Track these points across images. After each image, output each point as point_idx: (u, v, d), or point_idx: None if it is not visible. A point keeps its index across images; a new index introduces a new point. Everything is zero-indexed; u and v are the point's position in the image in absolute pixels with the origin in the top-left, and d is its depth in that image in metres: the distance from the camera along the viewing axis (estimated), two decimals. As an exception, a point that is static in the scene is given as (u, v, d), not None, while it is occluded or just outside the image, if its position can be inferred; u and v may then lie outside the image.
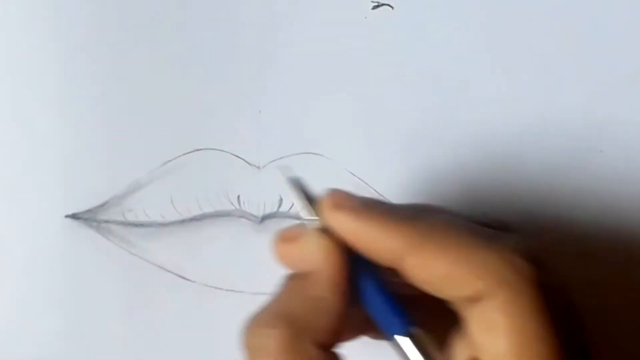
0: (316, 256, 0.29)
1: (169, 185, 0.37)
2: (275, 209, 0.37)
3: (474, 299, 0.28)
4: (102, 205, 0.36)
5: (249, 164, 0.37)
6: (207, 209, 0.37)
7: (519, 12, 0.38)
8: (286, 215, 0.37)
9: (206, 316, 0.37)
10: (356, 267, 0.29)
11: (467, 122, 0.38)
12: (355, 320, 0.30)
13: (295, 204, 0.30)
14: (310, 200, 0.30)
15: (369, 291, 0.29)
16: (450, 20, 0.38)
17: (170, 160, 0.37)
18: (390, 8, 0.38)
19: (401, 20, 0.38)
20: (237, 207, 0.37)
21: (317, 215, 0.30)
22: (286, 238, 0.30)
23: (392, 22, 0.38)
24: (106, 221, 0.36)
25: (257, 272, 0.37)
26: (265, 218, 0.37)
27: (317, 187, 0.37)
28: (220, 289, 0.37)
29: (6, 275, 0.36)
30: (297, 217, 0.37)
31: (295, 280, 0.29)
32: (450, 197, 0.38)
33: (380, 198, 0.37)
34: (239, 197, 0.37)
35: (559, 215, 0.38)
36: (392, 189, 0.38)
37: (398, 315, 0.29)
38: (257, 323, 0.28)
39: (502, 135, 0.38)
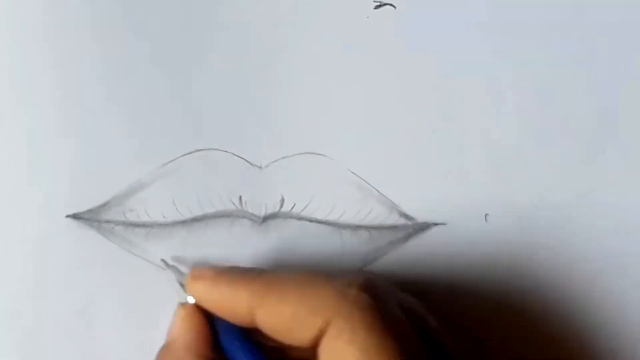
0: (175, 325, 0.33)
1: (171, 186, 0.37)
2: (277, 210, 0.37)
3: (319, 337, 0.29)
4: (103, 206, 0.36)
5: (251, 164, 0.37)
6: (209, 210, 0.37)
7: (522, 12, 0.39)
8: (288, 216, 0.37)
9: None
10: (224, 333, 0.32)
11: (468, 122, 0.38)
12: None
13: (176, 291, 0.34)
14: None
15: (235, 353, 0.32)
16: (453, 19, 0.38)
17: (171, 161, 0.37)
18: (393, 8, 0.38)
19: (403, 20, 0.38)
20: (239, 207, 0.37)
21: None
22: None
23: (394, 22, 0.38)
24: (107, 221, 0.36)
25: (259, 273, 0.37)
26: (267, 218, 0.37)
27: (319, 187, 0.37)
28: (222, 289, 0.37)
29: (7, 274, 0.36)
30: (299, 218, 0.37)
31: (163, 351, 0.33)
32: (451, 197, 0.38)
33: (380, 198, 0.37)
34: (240, 197, 0.37)
35: (560, 215, 0.39)
36: (394, 188, 0.38)
37: None
38: None
39: (503, 135, 0.38)
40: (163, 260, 0.36)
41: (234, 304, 0.31)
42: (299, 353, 0.31)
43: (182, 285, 0.34)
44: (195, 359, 0.32)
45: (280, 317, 0.30)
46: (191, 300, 0.33)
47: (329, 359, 0.30)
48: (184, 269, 0.35)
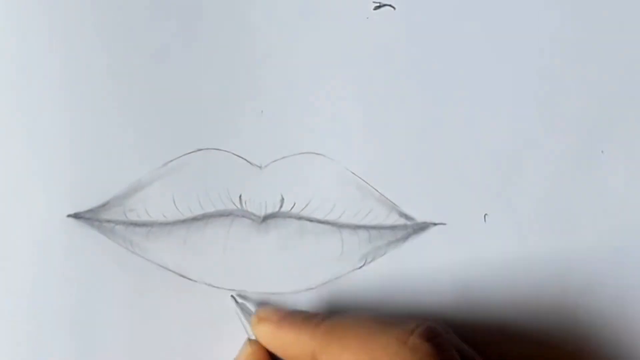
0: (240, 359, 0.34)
1: (171, 185, 0.37)
2: (277, 209, 0.37)
3: None
4: (104, 205, 0.36)
5: (251, 163, 0.37)
6: (209, 209, 0.37)
7: (521, 12, 0.39)
8: (287, 215, 0.37)
9: (208, 316, 0.37)
10: None
11: (468, 122, 0.38)
12: None
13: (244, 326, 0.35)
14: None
15: None
16: (452, 20, 0.38)
17: (172, 160, 0.37)
18: (392, 8, 0.38)
19: (403, 21, 0.38)
20: (239, 206, 0.37)
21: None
22: None
23: (394, 23, 0.38)
24: (108, 221, 0.36)
25: (258, 272, 0.37)
26: (267, 218, 0.37)
27: (319, 187, 0.37)
28: (222, 288, 0.37)
29: (7, 274, 0.36)
30: (299, 217, 0.37)
31: None
32: (450, 197, 0.38)
33: (380, 198, 0.37)
34: (240, 196, 0.37)
35: (559, 215, 0.38)
36: (393, 188, 0.38)
37: None
38: None
39: (503, 135, 0.38)
40: (232, 297, 0.36)
41: (297, 349, 0.32)
42: None
43: (248, 321, 0.35)
44: None
45: None
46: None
47: None
48: (250, 305, 0.36)
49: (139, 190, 0.36)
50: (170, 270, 0.37)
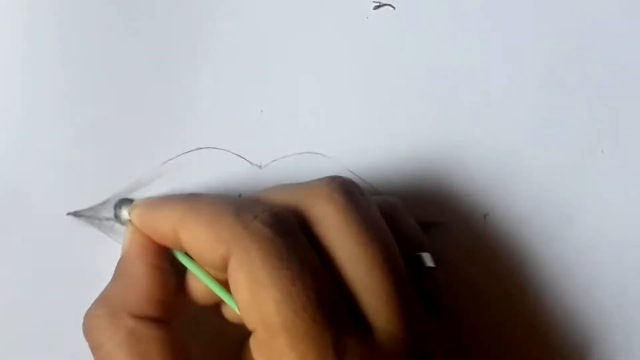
0: (125, 241, 0.34)
1: (171, 184, 0.37)
2: (276, 208, 0.37)
3: (225, 262, 0.30)
4: (103, 203, 0.36)
5: (251, 163, 0.37)
6: (209, 208, 0.37)
7: (520, 12, 0.39)
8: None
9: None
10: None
11: (468, 123, 0.38)
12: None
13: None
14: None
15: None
16: (452, 20, 0.38)
17: (171, 159, 0.37)
18: (392, 8, 0.38)
19: (403, 21, 0.38)
20: (239, 205, 0.37)
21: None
22: None
23: (393, 22, 0.38)
24: (108, 219, 0.36)
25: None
26: (266, 217, 0.37)
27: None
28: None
29: (7, 272, 0.36)
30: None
31: (118, 265, 0.34)
32: (451, 197, 0.38)
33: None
34: (240, 196, 0.37)
35: (559, 215, 0.38)
36: (393, 188, 0.38)
37: None
38: (89, 311, 0.33)
39: (503, 136, 0.38)
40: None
41: (162, 225, 0.33)
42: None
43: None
44: (144, 267, 0.33)
45: (195, 240, 0.31)
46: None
47: (232, 287, 0.30)
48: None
49: (139, 188, 0.37)
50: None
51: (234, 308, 0.32)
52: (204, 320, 0.35)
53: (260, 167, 0.37)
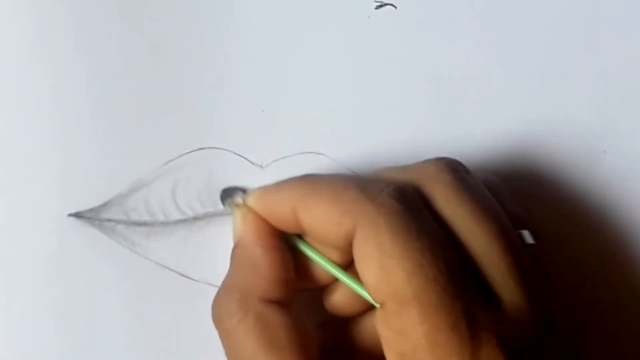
0: (236, 226, 0.33)
1: (172, 184, 0.37)
2: (278, 208, 0.37)
3: (350, 239, 0.30)
4: (105, 204, 0.36)
5: (252, 163, 0.37)
6: (210, 208, 0.37)
7: (523, 13, 0.39)
8: (289, 215, 0.37)
9: (209, 315, 0.37)
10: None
11: (470, 123, 0.38)
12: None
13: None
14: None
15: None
16: (453, 20, 0.38)
17: (173, 159, 0.37)
18: (394, 8, 0.38)
19: (404, 20, 0.38)
20: (240, 206, 0.37)
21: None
22: None
23: (395, 22, 0.38)
24: (109, 220, 0.36)
25: (260, 271, 0.37)
26: (268, 217, 0.37)
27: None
28: (223, 288, 0.37)
29: (8, 273, 0.36)
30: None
31: (234, 252, 0.34)
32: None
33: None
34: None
35: (559, 215, 0.38)
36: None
37: None
38: (216, 299, 0.33)
39: (505, 136, 0.38)
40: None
41: (280, 206, 0.32)
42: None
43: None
44: (263, 250, 0.32)
45: (317, 217, 0.31)
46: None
47: (358, 261, 0.30)
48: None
49: (140, 189, 0.37)
50: (171, 269, 0.37)
51: (355, 289, 0.32)
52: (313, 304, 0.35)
53: (261, 167, 0.37)
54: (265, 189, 0.33)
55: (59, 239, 0.36)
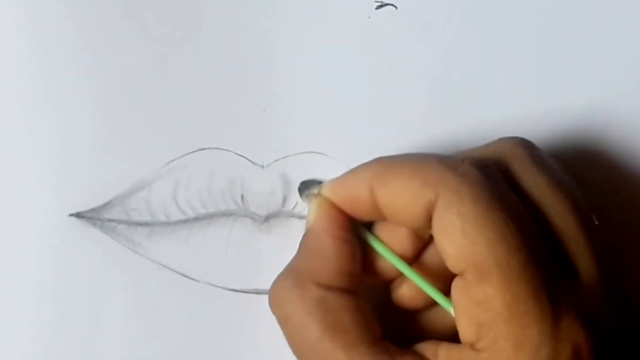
0: (311, 214, 0.33)
1: (173, 185, 0.37)
2: (279, 208, 0.37)
3: (431, 209, 0.30)
4: (106, 205, 0.36)
5: (253, 163, 0.37)
6: (211, 209, 0.37)
7: (523, 12, 0.39)
8: (290, 214, 0.37)
9: (210, 315, 0.37)
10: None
11: (470, 122, 0.38)
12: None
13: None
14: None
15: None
16: (454, 20, 0.38)
17: (174, 160, 0.37)
18: (394, 8, 0.38)
19: (405, 20, 0.38)
20: (241, 206, 0.37)
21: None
22: None
23: (396, 22, 0.38)
24: (110, 220, 0.36)
25: (261, 271, 0.37)
26: (269, 217, 0.37)
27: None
28: (224, 288, 0.37)
29: (9, 273, 0.36)
30: (301, 216, 0.37)
31: (304, 239, 0.34)
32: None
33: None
34: (242, 196, 0.37)
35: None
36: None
37: None
38: (275, 283, 0.33)
39: (505, 135, 0.38)
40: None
41: (357, 188, 0.32)
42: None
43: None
44: (332, 240, 0.32)
45: (396, 191, 0.31)
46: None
47: (439, 231, 0.30)
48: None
49: (142, 189, 0.37)
50: (172, 270, 0.37)
51: (421, 285, 0.32)
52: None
53: (262, 167, 0.37)
54: (341, 176, 0.33)
55: (60, 239, 0.36)
